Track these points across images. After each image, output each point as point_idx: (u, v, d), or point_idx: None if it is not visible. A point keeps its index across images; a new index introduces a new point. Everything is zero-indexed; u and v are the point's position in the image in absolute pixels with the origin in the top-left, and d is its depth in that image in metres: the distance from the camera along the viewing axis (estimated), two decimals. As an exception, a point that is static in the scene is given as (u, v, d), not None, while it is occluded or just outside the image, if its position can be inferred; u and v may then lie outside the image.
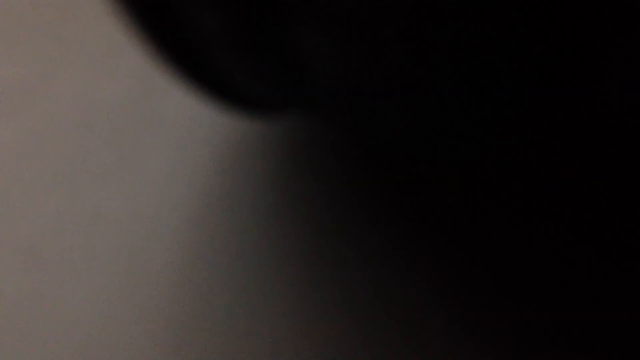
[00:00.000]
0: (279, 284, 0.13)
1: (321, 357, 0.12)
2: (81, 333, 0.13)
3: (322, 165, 0.15)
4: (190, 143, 0.15)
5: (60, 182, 0.15)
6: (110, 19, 0.18)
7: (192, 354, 0.13)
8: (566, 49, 0.08)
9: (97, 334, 0.13)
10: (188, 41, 0.10)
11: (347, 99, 0.10)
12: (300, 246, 0.14)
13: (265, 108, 0.12)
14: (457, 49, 0.08)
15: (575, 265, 0.13)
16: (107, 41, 0.17)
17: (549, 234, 0.14)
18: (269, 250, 0.14)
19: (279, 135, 0.15)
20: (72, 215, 0.14)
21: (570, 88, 0.09)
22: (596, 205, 0.14)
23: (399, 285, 0.13)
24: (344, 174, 0.15)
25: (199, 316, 0.13)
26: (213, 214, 0.14)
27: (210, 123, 0.16)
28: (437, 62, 0.08)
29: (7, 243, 0.14)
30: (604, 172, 0.14)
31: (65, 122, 0.16)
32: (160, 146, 0.15)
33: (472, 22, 0.07)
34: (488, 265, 0.13)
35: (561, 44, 0.08)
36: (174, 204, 0.15)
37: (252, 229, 0.14)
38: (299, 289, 0.13)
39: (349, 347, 0.13)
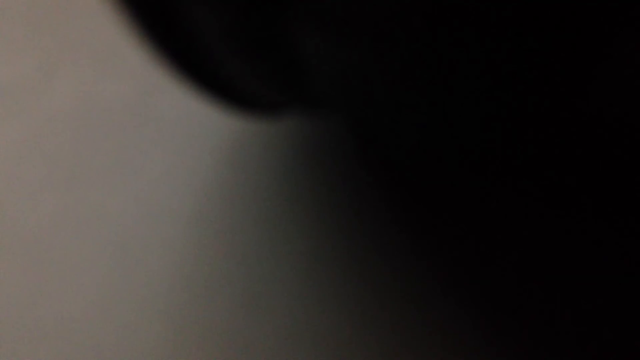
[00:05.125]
0: (280, 284, 0.13)
1: (321, 357, 0.12)
2: (81, 333, 0.13)
3: (323, 165, 0.15)
4: (190, 143, 0.15)
5: (60, 182, 0.15)
6: (111, 19, 0.18)
7: (192, 353, 0.13)
8: (568, 52, 0.08)
9: (97, 334, 0.13)
10: (188, 41, 0.10)
11: (347, 99, 0.10)
12: (301, 246, 0.14)
13: (266, 108, 0.12)
14: (457, 52, 0.08)
15: (574, 266, 0.13)
16: (107, 41, 0.17)
17: (549, 234, 0.14)
18: (269, 250, 0.14)
19: (279, 135, 0.15)
20: (72, 215, 0.14)
21: (571, 91, 0.09)
22: (597, 206, 0.14)
23: (400, 285, 0.13)
24: (344, 174, 0.15)
25: (199, 316, 0.13)
26: (213, 214, 0.14)
27: (210, 123, 0.16)
28: (437, 63, 0.08)
29: (7, 243, 0.14)
30: (604, 173, 0.14)
31: (66, 122, 0.16)
32: (160, 146, 0.15)
33: (472, 24, 0.07)
34: (488, 266, 0.13)
35: (562, 47, 0.08)
36: (174, 204, 0.15)
37: (252, 228, 0.14)
38: (299, 288, 0.13)
39: (349, 347, 0.13)
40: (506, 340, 0.12)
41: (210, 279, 0.13)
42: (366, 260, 0.14)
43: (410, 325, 0.13)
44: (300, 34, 0.09)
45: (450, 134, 0.11)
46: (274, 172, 0.15)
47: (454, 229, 0.14)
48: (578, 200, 0.14)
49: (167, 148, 0.15)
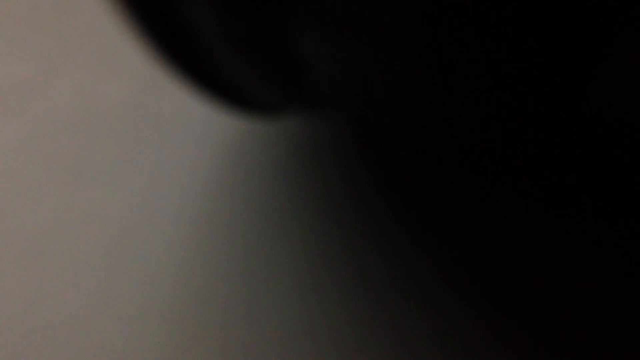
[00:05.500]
0: (280, 284, 0.13)
1: (321, 357, 0.12)
2: (81, 333, 0.13)
3: (322, 165, 0.15)
4: (191, 143, 0.15)
5: (60, 182, 0.15)
6: (111, 19, 0.18)
7: (192, 353, 0.13)
8: (568, 52, 0.08)
9: (97, 334, 0.13)
10: (188, 41, 0.10)
11: (347, 99, 0.10)
12: (301, 245, 0.14)
13: (265, 108, 0.12)
14: (457, 52, 0.08)
15: (574, 266, 0.13)
16: (107, 41, 0.17)
17: (549, 234, 0.14)
18: (270, 250, 0.14)
19: (279, 135, 0.15)
20: (72, 215, 0.14)
21: (571, 91, 0.09)
22: (597, 206, 0.14)
23: (400, 285, 0.13)
24: (344, 174, 0.15)
25: (198, 316, 0.13)
26: (213, 214, 0.14)
27: (210, 123, 0.16)
28: (437, 63, 0.08)
29: (7, 243, 0.14)
30: (604, 173, 0.14)
31: (65, 122, 0.16)
32: (160, 146, 0.15)
33: (472, 24, 0.07)
34: (488, 266, 0.13)
35: (562, 47, 0.08)
36: (174, 204, 0.15)
37: (252, 228, 0.14)
38: (299, 288, 0.13)
39: (349, 347, 0.13)
40: (506, 340, 0.12)
41: (210, 279, 0.13)
42: (366, 260, 0.14)
43: (410, 325, 0.13)
44: (300, 34, 0.09)
45: (450, 133, 0.11)
46: (274, 172, 0.15)
47: (454, 229, 0.14)
48: (578, 200, 0.14)
49: (167, 148, 0.15)
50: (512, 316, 0.13)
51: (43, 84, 0.17)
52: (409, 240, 0.14)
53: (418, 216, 0.14)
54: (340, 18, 0.08)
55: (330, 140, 0.15)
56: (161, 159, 0.15)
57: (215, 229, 0.14)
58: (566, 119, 0.10)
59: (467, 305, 0.13)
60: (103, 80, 0.17)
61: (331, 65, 0.09)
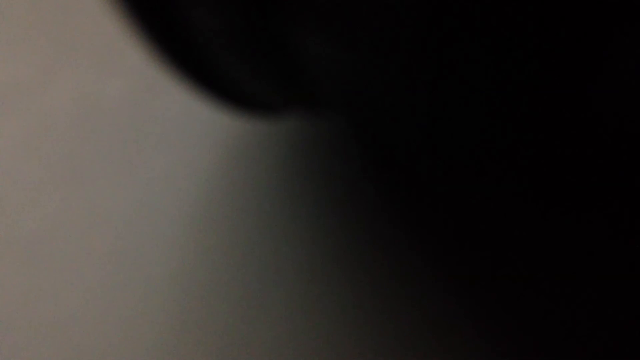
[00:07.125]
0: (280, 284, 0.13)
1: (321, 357, 0.12)
2: (81, 333, 0.13)
3: (323, 166, 0.15)
4: (191, 143, 0.15)
5: (60, 182, 0.15)
6: (110, 18, 0.18)
7: (192, 353, 0.13)
8: (569, 53, 0.08)
9: (97, 334, 0.13)
10: (188, 41, 0.10)
11: (347, 99, 0.10)
12: (301, 246, 0.14)
13: (266, 108, 0.12)
14: (458, 54, 0.08)
15: (575, 266, 0.13)
16: (107, 41, 0.17)
17: (549, 234, 0.14)
18: (269, 250, 0.14)
19: (279, 135, 0.15)
20: (72, 216, 0.14)
21: (572, 92, 0.09)
22: (597, 207, 0.14)
23: (400, 285, 0.13)
24: (344, 174, 0.15)
25: (199, 316, 0.13)
26: (213, 214, 0.14)
27: (210, 123, 0.16)
28: (438, 63, 0.08)
29: (7, 243, 0.14)
30: (605, 174, 0.14)
31: (66, 122, 0.16)
32: (160, 146, 0.15)
33: (472, 27, 0.07)
34: (488, 266, 0.13)
35: (564, 48, 0.08)
36: (174, 204, 0.15)
37: (252, 228, 0.14)
38: (299, 288, 0.13)
39: (349, 347, 0.13)
40: (506, 340, 0.12)
41: (210, 279, 0.13)
42: (366, 260, 0.14)
43: (410, 325, 0.13)
44: (300, 34, 0.09)
45: (451, 133, 0.11)
46: (274, 173, 0.15)
47: (454, 229, 0.14)
48: (578, 201, 0.14)
49: (167, 148, 0.15)
50: (513, 316, 0.13)
51: (43, 84, 0.17)
52: (410, 240, 0.14)
53: (418, 216, 0.14)
54: (340, 18, 0.08)
55: (330, 140, 0.15)
56: (161, 158, 0.15)
57: (215, 229, 0.14)
58: (567, 120, 0.10)
59: (468, 306, 0.13)
60: (103, 80, 0.17)
61: (331, 65, 0.09)
